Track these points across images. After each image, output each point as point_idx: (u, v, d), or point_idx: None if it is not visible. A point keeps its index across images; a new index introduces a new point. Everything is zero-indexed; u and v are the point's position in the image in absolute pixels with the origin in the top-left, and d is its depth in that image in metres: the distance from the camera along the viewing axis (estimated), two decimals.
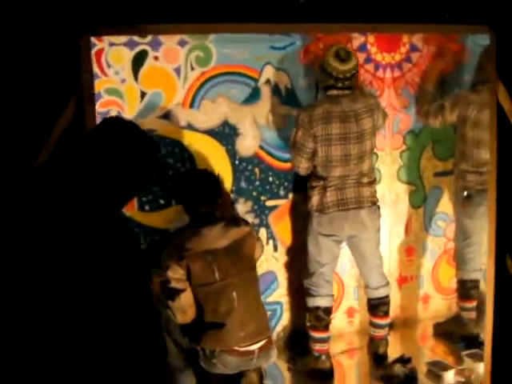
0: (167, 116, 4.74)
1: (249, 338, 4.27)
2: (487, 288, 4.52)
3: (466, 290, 5.42)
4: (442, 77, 5.49)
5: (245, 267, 4.34)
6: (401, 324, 5.72)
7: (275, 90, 5.03)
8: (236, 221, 4.45)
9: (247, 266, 4.37)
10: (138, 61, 4.58)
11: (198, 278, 4.20)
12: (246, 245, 4.37)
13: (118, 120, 2.97)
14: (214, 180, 4.44)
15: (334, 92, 4.70)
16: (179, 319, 4.24)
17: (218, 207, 4.39)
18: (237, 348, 4.24)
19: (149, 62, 4.61)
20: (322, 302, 4.94)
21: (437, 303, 5.90)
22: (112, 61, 4.50)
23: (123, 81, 4.57)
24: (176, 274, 4.19)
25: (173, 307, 4.21)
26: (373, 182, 4.91)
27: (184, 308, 4.21)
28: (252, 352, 4.28)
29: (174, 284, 4.19)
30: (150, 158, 2.86)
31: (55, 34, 3.71)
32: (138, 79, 4.61)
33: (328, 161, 4.72)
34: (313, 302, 4.95)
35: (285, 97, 5.07)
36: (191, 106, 4.80)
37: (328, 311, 4.98)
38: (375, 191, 4.93)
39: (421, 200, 5.67)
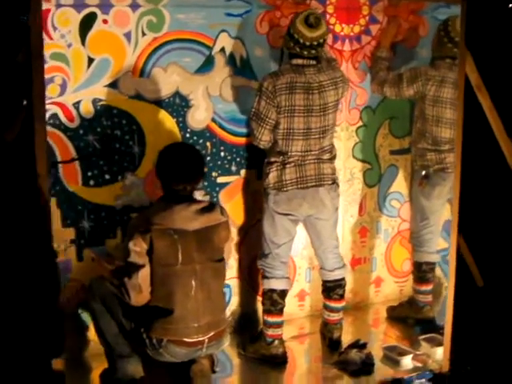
0: (115, 84, 4.49)
1: (202, 330, 4.03)
2: (449, 269, 4.44)
3: (423, 272, 5.30)
4: (399, 47, 5.35)
5: (211, 257, 4.08)
6: (353, 308, 5.57)
7: (230, 60, 4.82)
8: (213, 207, 4.17)
9: (213, 256, 4.10)
10: (86, 24, 4.33)
11: (160, 256, 3.92)
12: (217, 234, 4.11)
13: None
14: (200, 159, 4.19)
15: (299, 61, 4.48)
16: (133, 299, 3.96)
17: (195, 188, 4.16)
18: (187, 339, 4.00)
19: (97, 26, 4.36)
20: (277, 284, 4.74)
21: (389, 286, 5.78)
22: (58, 23, 4.24)
23: (70, 45, 4.31)
24: (138, 247, 3.91)
25: (128, 285, 3.93)
26: (333, 158, 4.73)
27: (140, 287, 3.93)
28: (202, 342, 4.05)
29: (133, 257, 3.92)
30: None
31: None
32: (86, 44, 4.35)
33: (290, 134, 4.51)
34: (268, 285, 4.75)
35: (239, 67, 4.86)
36: (141, 74, 4.55)
37: (284, 294, 4.77)
38: (335, 168, 4.76)
39: (376, 179, 5.52)
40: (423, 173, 5.13)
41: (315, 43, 4.40)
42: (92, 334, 4.42)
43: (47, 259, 2.77)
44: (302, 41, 4.39)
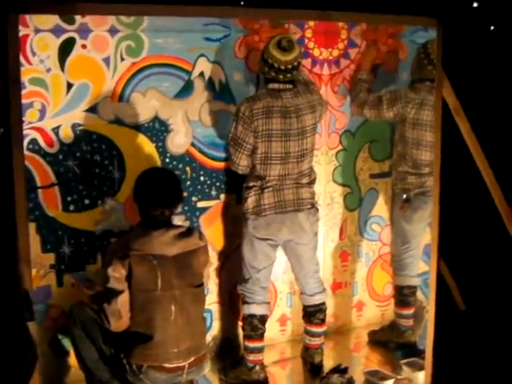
0: (95, 109, 4.47)
1: (182, 355, 4.00)
2: (430, 293, 4.43)
3: (404, 296, 5.29)
4: (379, 69, 5.37)
5: (190, 282, 4.05)
6: (334, 332, 5.54)
7: (209, 84, 4.81)
8: (191, 231, 4.15)
9: (193, 282, 4.07)
10: (65, 49, 4.32)
11: (139, 282, 3.89)
12: (196, 259, 4.08)
13: None
14: (177, 183, 4.17)
15: (275, 85, 4.49)
16: (113, 325, 3.93)
17: (173, 213, 4.14)
18: (167, 365, 3.96)
19: (76, 51, 4.35)
20: (257, 309, 4.71)
21: (371, 310, 5.76)
22: (37, 48, 4.24)
23: (49, 70, 4.30)
24: (117, 273, 3.87)
25: (107, 310, 3.90)
26: (312, 182, 4.72)
27: (120, 312, 3.89)
28: (182, 367, 4.01)
29: (112, 283, 3.89)
30: None
31: None
32: (65, 69, 4.34)
33: (268, 158, 4.50)
34: (248, 310, 4.72)
35: (218, 91, 4.85)
36: (120, 99, 4.54)
37: (264, 319, 4.75)
38: (314, 192, 4.75)
39: (356, 203, 5.52)
40: (404, 196, 5.13)
41: (290, 66, 4.41)
42: (72, 359, 4.36)
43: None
44: (276, 65, 4.40)
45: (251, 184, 4.60)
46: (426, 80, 5.00)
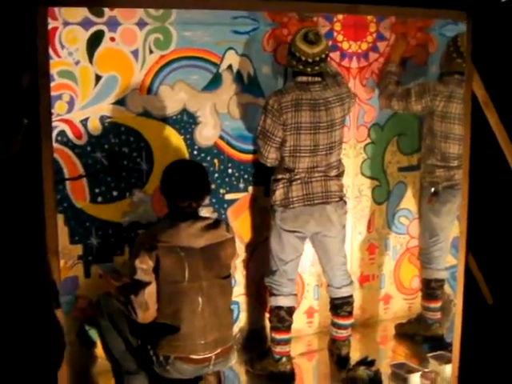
0: (123, 102, 4.50)
1: (209, 347, 4.01)
2: (457, 287, 4.41)
3: (431, 289, 5.27)
4: (408, 62, 5.36)
5: (217, 273, 4.06)
6: (361, 325, 5.55)
7: (237, 77, 4.82)
8: (218, 223, 4.16)
9: (220, 273, 4.08)
10: (94, 42, 4.35)
11: (167, 273, 3.90)
12: (223, 251, 4.09)
13: None
14: (205, 176, 4.17)
15: (304, 78, 4.49)
16: (140, 317, 3.95)
17: (200, 205, 4.15)
18: (194, 356, 3.98)
19: (105, 44, 4.38)
20: (284, 301, 4.72)
21: (398, 303, 5.75)
22: (66, 41, 4.27)
23: (77, 63, 4.33)
24: (144, 264, 3.90)
25: (135, 302, 3.92)
26: (341, 175, 4.72)
27: (147, 304, 3.91)
28: (209, 359, 4.02)
29: (139, 275, 3.91)
30: None
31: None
32: (93, 61, 4.37)
33: (296, 151, 4.50)
34: (275, 302, 4.73)
35: (247, 84, 4.86)
36: (149, 91, 4.56)
37: (291, 311, 4.76)
38: (342, 185, 4.74)
39: (384, 196, 5.51)
40: (432, 190, 5.11)
41: (317, 59, 4.41)
42: (99, 350, 4.39)
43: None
44: (303, 58, 4.41)
45: (279, 176, 4.60)
46: (455, 73, 4.97)
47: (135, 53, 4.46)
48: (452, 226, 5.20)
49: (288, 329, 4.75)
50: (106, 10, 4.31)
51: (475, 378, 4.68)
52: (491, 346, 5.12)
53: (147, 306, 3.92)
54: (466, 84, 4.17)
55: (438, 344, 5.12)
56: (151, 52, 4.50)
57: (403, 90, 5.10)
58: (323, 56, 4.44)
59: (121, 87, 4.46)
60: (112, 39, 4.37)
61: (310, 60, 4.40)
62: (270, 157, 4.56)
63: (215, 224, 4.11)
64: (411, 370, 4.75)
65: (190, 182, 4.05)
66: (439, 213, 5.14)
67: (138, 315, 3.94)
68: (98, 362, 4.63)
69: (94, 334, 4.53)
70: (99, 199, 4.52)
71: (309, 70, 4.44)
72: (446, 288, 5.47)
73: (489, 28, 4.08)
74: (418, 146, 5.40)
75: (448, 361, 4.67)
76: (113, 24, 4.35)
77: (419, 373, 4.71)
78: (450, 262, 5.36)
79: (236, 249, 4.24)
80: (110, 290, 4.17)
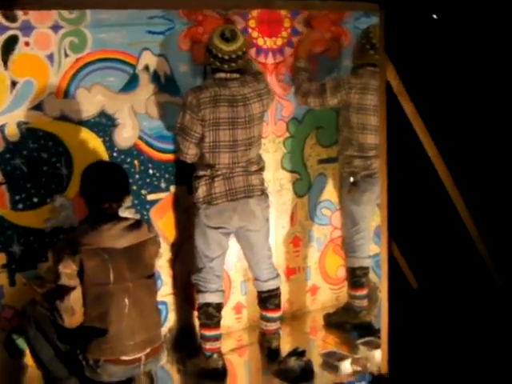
0: (40, 107, 4.44)
1: (138, 347, 4.03)
2: (382, 273, 4.48)
3: (357, 277, 5.36)
4: (322, 56, 5.41)
5: (141, 273, 4.08)
6: (290, 317, 5.61)
7: (154, 77, 4.80)
8: (140, 223, 4.18)
9: (144, 273, 4.10)
10: (8, 47, 4.27)
11: (91, 276, 3.90)
12: (146, 250, 4.11)
13: None
14: (124, 176, 4.18)
15: (222, 75, 4.52)
16: (66, 322, 3.93)
17: (121, 206, 4.15)
18: (123, 358, 3.99)
19: (19, 49, 4.30)
20: (212, 297, 4.74)
21: (325, 294, 5.82)
22: None
23: None
24: (68, 269, 3.87)
25: (60, 308, 3.90)
26: (261, 170, 4.76)
27: (73, 309, 3.90)
28: (139, 359, 4.05)
29: (64, 280, 3.89)
30: None
31: None
32: (8, 67, 4.29)
33: (216, 147, 4.53)
34: (203, 299, 4.74)
35: (164, 84, 4.85)
36: (65, 95, 4.51)
37: (219, 307, 4.78)
38: (264, 179, 4.78)
39: (305, 188, 5.57)
40: (351, 179, 5.18)
41: (234, 56, 4.45)
42: (29, 358, 4.33)
43: None
44: (220, 55, 4.44)
45: (201, 173, 4.62)
46: (368, 65, 5.04)
47: (50, 57, 4.41)
48: (373, 214, 5.29)
49: (217, 325, 4.77)
50: (20, 14, 4.25)
51: (404, 362, 4.77)
52: (418, 330, 5.22)
53: (73, 311, 3.90)
54: (380, 74, 4.24)
55: (367, 330, 5.21)
56: (67, 55, 4.46)
57: (318, 87, 5.12)
58: (240, 53, 4.47)
59: (37, 92, 4.40)
60: (26, 44, 4.30)
61: (226, 57, 4.44)
62: (190, 153, 4.57)
63: (137, 224, 4.12)
64: (342, 358, 4.83)
65: (109, 183, 4.06)
66: (359, 202, 5.21)
67: (64, 320, 3.92)
68: (28, 370, 4.55)
69: (22, 343, 4.46)
70: (20, 206, 4.46)
71: (226, 66, 4.48)
72: (372, 276, 5.56)
73: (400, 19, 4.15)
74: (336, 138, 5.44)
75: (377, 346, 4.74)
76: (26, 28, 4.29)
77: (350, 359, 4.79)
78: (374, 250, 5.42)
79: (158, 245, 4.27)
80: (35, 298, 4.13)
